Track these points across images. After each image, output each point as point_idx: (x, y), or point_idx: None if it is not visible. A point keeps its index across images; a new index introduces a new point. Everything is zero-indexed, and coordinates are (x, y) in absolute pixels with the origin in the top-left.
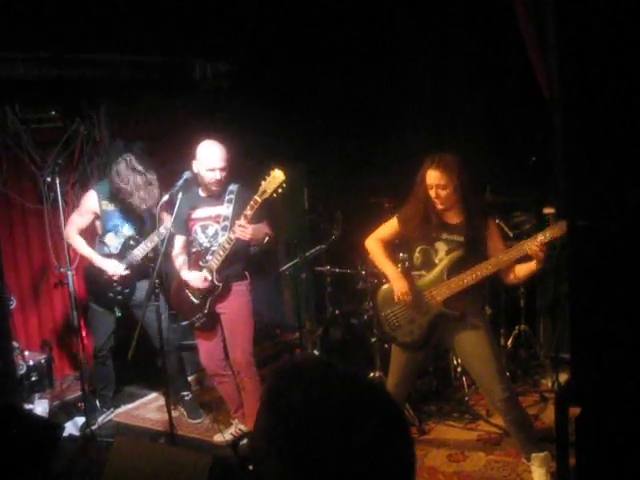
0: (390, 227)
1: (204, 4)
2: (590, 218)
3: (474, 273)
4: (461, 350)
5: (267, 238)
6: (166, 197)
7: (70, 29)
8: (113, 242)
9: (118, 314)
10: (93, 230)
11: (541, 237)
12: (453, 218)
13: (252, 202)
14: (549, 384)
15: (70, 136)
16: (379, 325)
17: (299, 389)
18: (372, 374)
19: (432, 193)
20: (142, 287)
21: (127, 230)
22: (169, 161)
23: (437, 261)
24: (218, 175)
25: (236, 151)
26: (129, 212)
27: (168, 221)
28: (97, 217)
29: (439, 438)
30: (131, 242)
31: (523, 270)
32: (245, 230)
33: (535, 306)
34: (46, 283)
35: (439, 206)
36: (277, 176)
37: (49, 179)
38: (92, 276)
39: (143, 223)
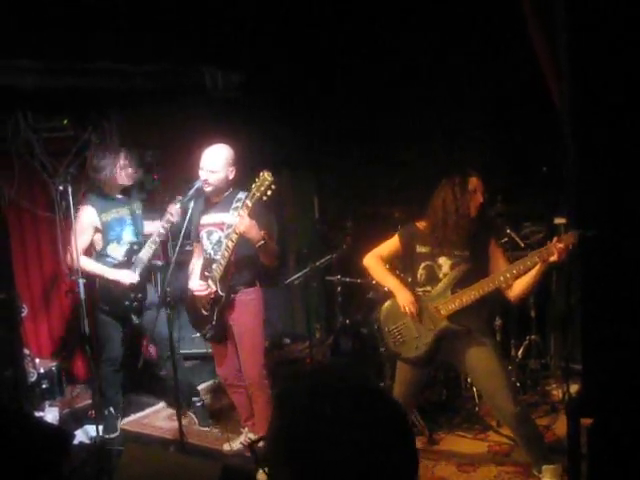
0: (392, 245)
1: (214, 13)
2: (600, 228)
3: (480, 287)
4: (468, 366)
5: (262, 241)
6: (177, 206)
7: (82, 39)
8: (117, 251)
9: (136, 321)
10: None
11: (558, 245)
12: (463, 230)
13: (244, 206)
14: (560, 395)
15: (82, 145)
16: (383, 341)
17: (306, 395)
18: (382, 383)
19: (475, 200)
20: (151, 288)
21: (127, 236)
22: (180, 170)
23: (441, 276)
24: (205, 175)
25: (246, 159)
26: (116, 205)
27: (169, 216)
28: (97, 231)
29: (449, 449)
30: (134, 247)
31: (522, 283)
32: (242, 220)
33: (546, 316)
34: (57, 291)
35: (474, 212)
36: (266, 178)
37: (61, 187)
38: (105, 289)
39: (140, 226)
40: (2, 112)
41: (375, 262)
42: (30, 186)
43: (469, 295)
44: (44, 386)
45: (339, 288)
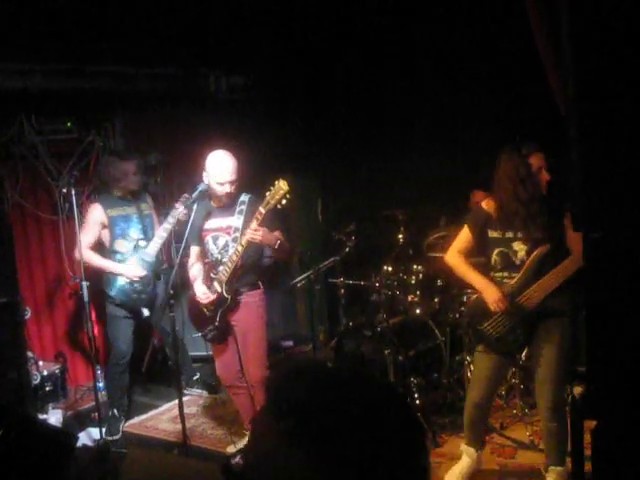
0: (464, 237)
1: (218, 17)
2: (605, 230)
3: (564, 269)
4: (535, 345)
5: (278, 242)
6: (181, 208)
7: (87, 41)
8: (124, 247)
9: (146, 314)
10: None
11: None
12: (534, 213)
13: (257, 214)
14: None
15: (86, 147)
16: (478, 338)
17: (302, 388)
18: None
19: (539, 178)
20: (160, 286)
21: (134, 233)
22: (184, 173)
23: (518, 262)
24: (228, 188)
25: (250, 163)
26: (124, 204)
27: (175, 212)
28: (104, 227)
29: (453, 451)
30: (140, 243)
31: None
32: (256, 233)
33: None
34: (61, 294)
35: (544, 191)
36: (281, 187)
37: (64, 190)
38: (114, 283)
39: (149, 226)
40: (6, 114)
41: (457, 259)
42: (34, 188)
43: (554, 279)
44: (47, 388)
45: (342, 290)
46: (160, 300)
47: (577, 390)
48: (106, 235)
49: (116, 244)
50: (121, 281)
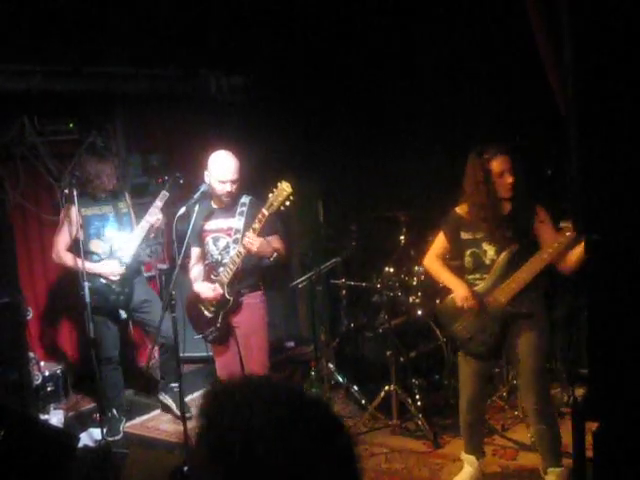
0: (440, 242)
1: (219, 18)
2: (606, 232)
3: (532, 267)
4: (516, 349)
5: (275, 254)
6: (182, 209)
7: (87, 42)
8: (100, 247)
9: (124, 316)
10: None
11: None
12: (503, 210)
13: (260, 215)
14: (565, 398)
15: (87, 148)
16: (452, 340)
17: (216, 406)
18: (387, 387)
19: (500, 182)
20: (139, 286)
21: (109, 232)
22: (184, 173)
23: (488, 262)
24: (229, 187)
25: (250, 164)
26: (100, 203)
27: (153, 214)
28: (81, 227)
29: (454, 452)
30: (117, 242)
31: (575, 254)
32: (252, 243)
33: (551, 320)
34: (62, 294)
35: (507, 194)
36: (284, 189)
37: (66, 190)
38: (91, 287)
39: (127, 225)
40: (7, 115)
41: (435, 263)
42: (35, 189)
43: (523, 277)
44: (49, 389)
45: (344, 292)
46: (136, 302)
47: (578, 391)
48: (81, 235)
49: (91, 244)
50: (97, 283)
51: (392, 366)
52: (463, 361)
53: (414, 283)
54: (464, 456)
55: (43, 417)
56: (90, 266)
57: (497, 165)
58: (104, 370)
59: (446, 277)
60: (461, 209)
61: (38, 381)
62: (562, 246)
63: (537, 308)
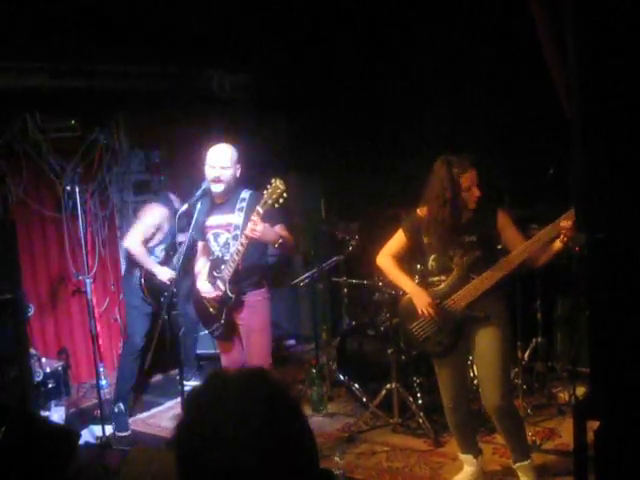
0: (399, 240)
1: (222, 16)
2: (607, 231)
3: (494, 272)
4: (477, 350)
5: (281, 240)
6: (185, 206)
7: (90, 41)
8: (160, 253)
9: (165, 316)
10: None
11: (563, 223)
12: (465, 217)
13: (255, 213)
14: (566, 397)
15: (89, 145)
16: (406, 338)
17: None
18: (389, 386)
19: (468, 195)
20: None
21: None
22: (186, 171)
23: (453, 266)
24: (217, 172)
25: (252, 162)
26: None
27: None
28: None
29: (455, 451)
30: (170, 252)
31: (546, 255)
32: (255, 230)
33: (552, 319)
34: (64, 291)
35: (472, 206)
36: (278, 186)
37: (68, 188)
38: (150, 282)
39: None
40: (10, 112)
41: (388, 262)
42: (37, 186)
43: (484, 281)
44: (50, 385)
45: (345, 289)
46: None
47: (579, 390)
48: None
49: (157, 249)
50: (158, 280)
51: (393, 364)
52: (437, 362)
53: (415, 281)
54: (461, 456)
55: (44, 413)
56: (150, 264)
57: (466, 180)
58: (126, 359)
59: (404, 282)
60: (422, 212)
61: (39, 377)
62: (525, 256)
63: (497, 309)
